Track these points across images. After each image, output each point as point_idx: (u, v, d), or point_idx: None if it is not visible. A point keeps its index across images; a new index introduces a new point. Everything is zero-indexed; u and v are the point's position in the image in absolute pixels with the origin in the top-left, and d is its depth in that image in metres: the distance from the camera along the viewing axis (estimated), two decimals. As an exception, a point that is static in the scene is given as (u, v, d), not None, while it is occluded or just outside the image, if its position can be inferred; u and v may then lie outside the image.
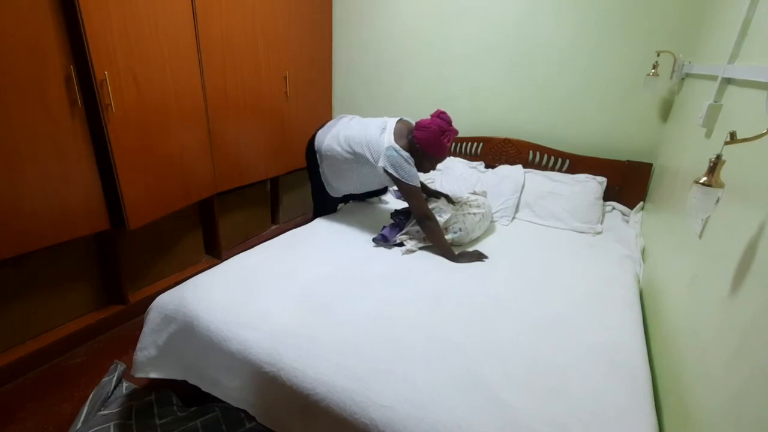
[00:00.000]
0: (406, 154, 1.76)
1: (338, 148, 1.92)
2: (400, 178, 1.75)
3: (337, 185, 2.08)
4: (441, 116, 1.79)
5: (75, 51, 1.53)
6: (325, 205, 2.21)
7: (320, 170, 2.05)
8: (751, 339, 0.75)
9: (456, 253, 1.76)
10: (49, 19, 1.44)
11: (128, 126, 1.73)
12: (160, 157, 1.93)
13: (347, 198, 2.29)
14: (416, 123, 1.81)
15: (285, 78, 2.62)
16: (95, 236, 1.87)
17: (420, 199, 1.80)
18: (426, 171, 1.89)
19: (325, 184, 2.10)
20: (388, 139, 1.80)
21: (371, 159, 1.82)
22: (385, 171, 1.77)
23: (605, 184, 2.27)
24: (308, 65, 2.82)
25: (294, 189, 3.17)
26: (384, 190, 2.46)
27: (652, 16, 2.09)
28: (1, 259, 1.46)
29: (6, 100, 1.38)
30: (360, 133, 1.88)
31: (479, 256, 1.76)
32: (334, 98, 3.21)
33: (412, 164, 1.78)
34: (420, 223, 1.79)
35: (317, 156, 2.03)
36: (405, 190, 1.78)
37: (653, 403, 1.04)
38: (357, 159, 1.88)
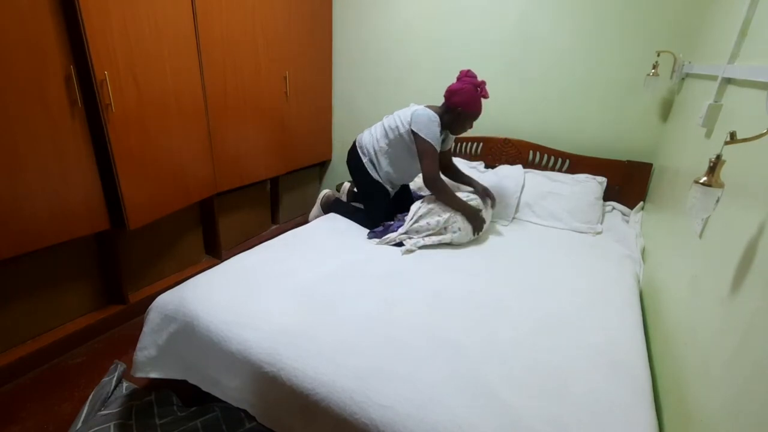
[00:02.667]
0: (433, 114, 1.90)
1: (377, 136, 2.05)
2: (419, 133, 1.86)
3: (385, 170, 2.06)
4: (468, 75, 1.93)
5: (75, 51, 1.53)
6: (379, 206, 2.08)
7: (364, 162, 2.07)
8: (751, 339, 0.75)
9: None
10: (49, 19, 1.44)
11: (128, 126, 1.73)
12: (160, 156, 1.93)
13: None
14: (447, 90, 1.95)
15: (285, 78, 2.62)
16: (95, 236, 1.87)
17: (434, 160, 1.89)
18: (466, 130, 2.01)
19: (375, 175, 2.06)
20: (418, 107, 1.95)
21: (401, 125, 1.93)
22: (412, 131, 1.88)
23: (605, 184, 2.27)
24: (308, 65, 2.82)
25: (294, 189, 3.17)
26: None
27: (652, 16, 2.09)
28: (1, 259, 1.46)
29: (6, 100, 1.38)
30: (391, 116, 2.03)
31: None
32: (334, 98, 3.21)
33: (438, 126, 1.89)
34: (428, 184, 1.89)
35: (360, 152, 2.08)
36: (421, 148, 1.88)
37: (653, 403, 1.04)
38: (391, 138, 1.98)
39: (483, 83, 1.93)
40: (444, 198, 1.90)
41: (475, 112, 1.94)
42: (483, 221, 1.92)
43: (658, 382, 1.19)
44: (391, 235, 1.85)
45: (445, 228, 1.84)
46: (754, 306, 0.76)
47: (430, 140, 1.86)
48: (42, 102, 1.47)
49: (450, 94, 1.94)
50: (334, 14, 2.97)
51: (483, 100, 1.94)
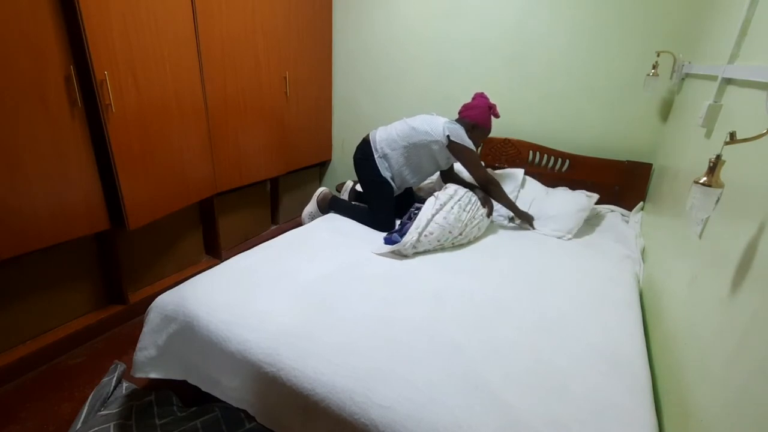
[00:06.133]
0: (460, 126, 2.04)
1: (395, 135, 2.08)
2: (464, 143, 1.99)
3: (398, 169, 2.10)
4: (482, 96, 2.13)
5: (75, 51, 1.53)
6: (386, 205, 2.09)
7: (376, 158, 2.08)
8: (751, 339, 0.75)
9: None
10: (49, 19, 1.44)
11: (128, 126, 1.73)
12: (160, 157, 1.93)
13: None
14: (462, 107, 2.13)
15: (285, 78, 2.62)
16: (95, 236, 1.87)
17: (481, 165, 2.07)
18: (476, 146, 2.11)
19: (385, 173, 2.08)
20: (443, 119, 2.06)
21: (432, 134, 2.00)
22: (450, 140, 1.98)
23: (594, 200, 2.18)
24: (308, 65, 2.82)
25: (294, 189, 3.17)
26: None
27: (652, 16, 2.09)
28: (1, 259, 1.46)
29: (6, 100, 1.38)
30: (414, 119, 2.10)
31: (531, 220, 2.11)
32: (334, 98, 3.21)
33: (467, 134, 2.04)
34: (485, 188, 2.05)
35: (372, 147, 2.10)
36: (468, 157, 2.02)
37: (653, 403, 1.04)
38: (416, 141, 2.03)
39: (494, 106, 2.10)
40: (500, 199, 2.06)
41: (486, 128, 2.11)
42: (531, 217, 2.12)
43: (658, 382, 1.19)
44: (403, 244, 1.74)
45: (450, 232, 1.83)
46: (754, 306, 0.76)
47: (471, 146, 2.02)
48: (42, 102, 1.47)
49: (465, 109, 2.12)
50: (334, 14, 2.97)
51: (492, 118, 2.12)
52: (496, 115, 2.10)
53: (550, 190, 2.35)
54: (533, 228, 2.11)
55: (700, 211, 0.89)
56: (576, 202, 2.14)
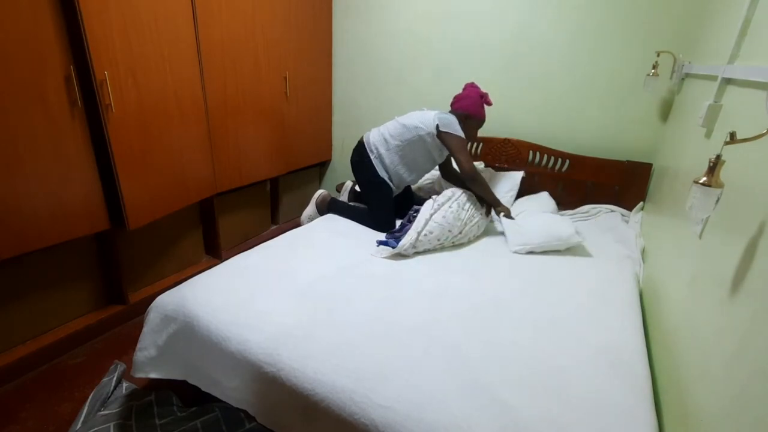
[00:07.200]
0: (452, 116, 2.03)
1: (387, 135, 2.08)
2: (452, 131, 1.97)
3: (394, 168, 2.09)
4: (473, 85, 2.11)
5: (75, 51, 1.53)
6: (386, 206, 2.09)
7: (372, 159, 2.08)
8: (751, 339, 0.75)
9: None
10: (49, 19, 1.44)
11: (128, 126, 1.73)
12: (160, 157, 1.93)
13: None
14: (453, 99, 2.13)
15: (285, 78, 2.62)
16: (95, 236, 1.87)
17: (468, 155, 2.04)
18: (473, 139, 2.11)
19: (382, 173, 2.08)
20: (434, 111, 2.06)
21: (423, 127, 2.00)
22: (438, 129, 1.97)
23: (576, 241, 2.07)
24: (308, 65, 2.82)
25: (294, 189, 3.17)
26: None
27: (652, 16, 2.09)
28: (1, 259, 1.46)
29: (6, 100, 1.38)
30: (405, 116, 2.10)
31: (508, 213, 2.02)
32: (334, 98, 3.21)
33: (459, 126, 2.02)
34: (469, 180, 1.99)
35: (367, 149, 2.10)
36: (455, 145, 1.98)
37: (653, 403, 1.04)
38: (409, 138, 2.03)
39: (486, 94, 2.08)
40: (481, 192, 2.00)
41: (480, 118, 2.09)
42: (508, 210, 2.05)
43: (658, 382, 1.19)
44: (402, 246, 1.73)
45: (450, 231, 1.83)
46: (754, 306, 0.76)
47: (461, 135, 1.98)
48: (42, 102, 1.47)
49: (456, 100, 2.11)
50: (334, 14, 2.97)
51: (486, 106, 2.09)
52: (489, 103, 2.09)
53: (551, 214, 2.16)
54: (510, 218, 1.98)
55: (700, 211, 0.89)
56: (558, 227, 1.87)
